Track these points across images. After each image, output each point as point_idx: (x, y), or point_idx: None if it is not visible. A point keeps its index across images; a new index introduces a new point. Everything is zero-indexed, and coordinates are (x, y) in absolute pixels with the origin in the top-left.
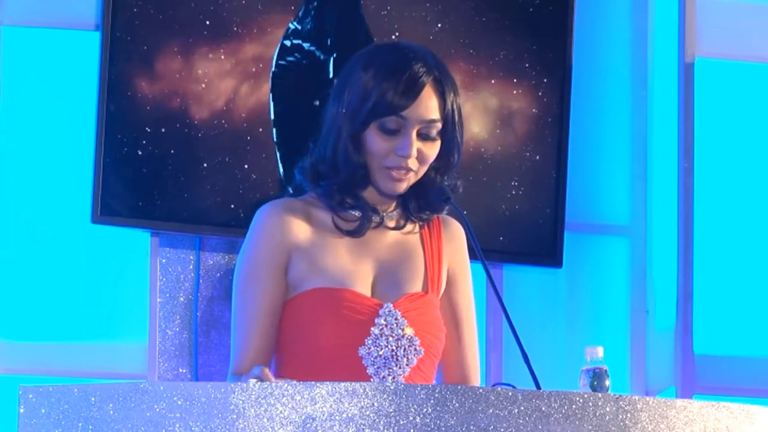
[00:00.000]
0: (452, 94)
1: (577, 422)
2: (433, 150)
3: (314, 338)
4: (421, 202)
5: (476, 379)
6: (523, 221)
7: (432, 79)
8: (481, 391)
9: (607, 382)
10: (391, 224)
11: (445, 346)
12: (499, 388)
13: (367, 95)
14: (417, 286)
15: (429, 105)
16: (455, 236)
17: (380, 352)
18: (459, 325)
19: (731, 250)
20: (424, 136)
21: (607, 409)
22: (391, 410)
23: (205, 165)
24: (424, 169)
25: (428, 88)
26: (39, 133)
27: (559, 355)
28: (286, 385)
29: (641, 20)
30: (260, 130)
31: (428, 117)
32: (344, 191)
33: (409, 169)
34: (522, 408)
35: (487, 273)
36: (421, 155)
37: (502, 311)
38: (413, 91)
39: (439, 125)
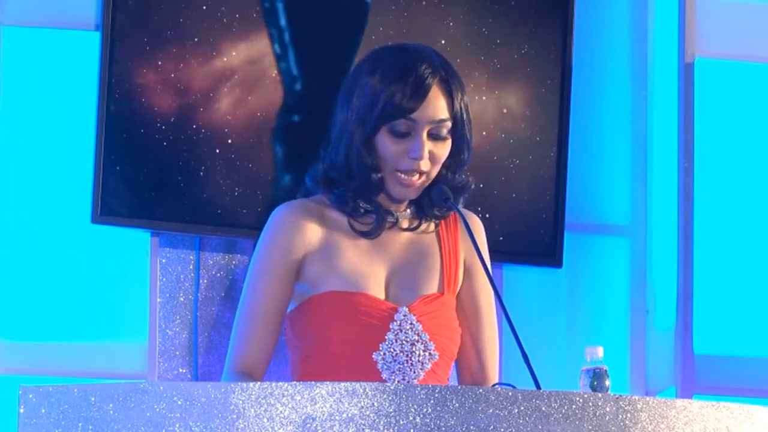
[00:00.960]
0: (459, 93)
1: (577, 422)
2: (444, 149)
3: (328, 342)
4: (433, 202)
5: (494, 372)
6: (523, 221)
7: (438, 78)
8: (481, 391)
9: (607, 382)
10: (405, 224)
11: (463, 337)
12: (499, 388)
13: (375, 100)
14: (433, 287)
15: (437, 105)
16: (472, 229)
17: (395, 357)
18: (478, 318)
19: (731, 250)
20: (434, 137)
21: (607, 409)
22: (391, 410)
23: (205, 165)
24: (437, 169)
25: (435, 89)
26: (39, 133)
27: (559, 355)
28: (286, 385)
29: (641, 20)
30: (260, 129)
31: (437, 117)
32: (359, 196)
33: (421, 172)
34: (522, 408)
35: (488, 273)
36: (432, 156)
37: (502, 311)
38: (421, 93)
39: (449, 124)
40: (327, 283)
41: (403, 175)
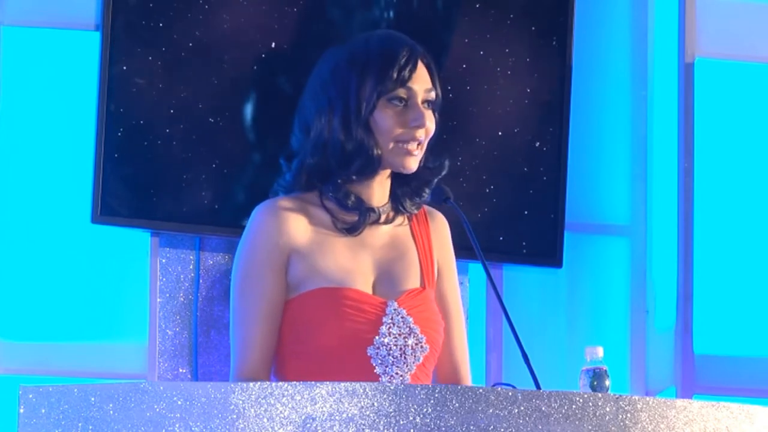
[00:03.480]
0: (436, 71)
1: (577, 422)
2: (434, 123)
3: (320, 338)
4: (411, 188)
5: (466, 372)
6: (523, 221)
7: (420, 54)
8: (481, 391)
9: (607, 382)
10: (383, 218)
11: None
12: (499, 388)
13: (363, 80)
14: (414, 282)
15: (426, 76)
16: (440, 229)
17: (389, 351)
18: (448, 319)
19: (731, 250)
20: (427, 105)
21: (607, 409)
22: (391, 410)
23: (205, 165)
24: (427, 142)
25: (420, 63)
26: (39, 133)
27: (559, 355)
28: (286, 385)
29: (641, 20)
30: (261, 130)
31: (429, 85)
32: (352, 181)
33: (419, 142)
34: (522, 408)
35: (487, 273)
36: (426, 127)
37: (502, 311)
38: (412, 63)
39: (433, 96)
40: (314, 281)
41: (404, 145)
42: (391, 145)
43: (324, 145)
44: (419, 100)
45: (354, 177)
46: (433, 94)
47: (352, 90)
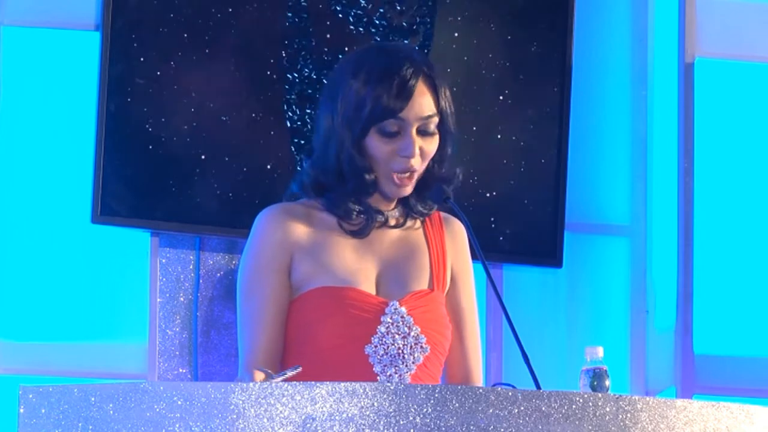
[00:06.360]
0: (443, 88)
1: (577, 422)
2: (433, 145)
3: (320, 337)
4: (421, 195)
5: (478, 377)
6: (523, 221)
7: (422, 76)
8: (481, 391)
9: (607, 382)
10: (393, 222)
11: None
12: (499, 388)
13: (361, 103)
14: (423, 284)
15: (423, 102)
16: (457, 235)
17: (387, 351)
18: (461, 324)
19: (731, 250)
20: (423, 133)
21: (607, 409)
22: (391, 410)
23: (205, 165)
24: (426, 164)
25: (420, 86)
26: (39, 133)
27: (559, 355)
28: (286, 385)
29: (641, 20)
30: (260, 129)
31: (425, 113)
32: (352, 199)
33: (414, 170)
34: (522, 408)
35: (487, 273)
36: (422, 152)
37: (502, 311)
38: (407, 92)
39: (437, 119)
40: (317, 280)
41: (397, 175)
42: (386, 172)
43: (323, 162)
44: (412, 130)
45: (351, 197)
46: (430, 124)
47: (348, 111)
